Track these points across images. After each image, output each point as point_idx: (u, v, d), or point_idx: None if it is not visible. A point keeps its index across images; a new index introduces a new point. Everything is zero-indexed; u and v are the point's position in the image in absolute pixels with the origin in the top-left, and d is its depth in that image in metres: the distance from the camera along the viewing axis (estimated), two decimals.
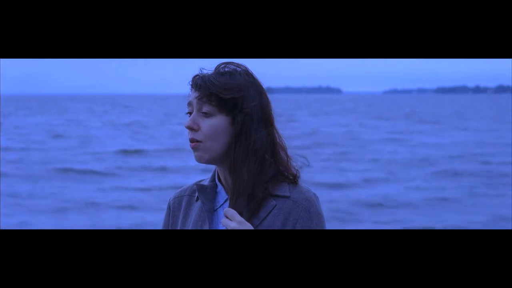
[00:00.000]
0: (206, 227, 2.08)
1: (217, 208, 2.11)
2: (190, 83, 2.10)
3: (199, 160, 2.06)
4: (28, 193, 15.95)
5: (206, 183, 2.14)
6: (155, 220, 12.46)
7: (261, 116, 2.06)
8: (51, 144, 30.73)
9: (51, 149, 27.75)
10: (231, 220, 2.00)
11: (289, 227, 2.02)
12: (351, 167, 21.38)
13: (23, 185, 17.41)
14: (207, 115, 2.05)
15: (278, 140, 2.10)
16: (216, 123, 2.04)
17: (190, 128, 2.06)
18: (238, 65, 2.09)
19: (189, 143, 2.07)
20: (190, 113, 2.08)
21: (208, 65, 2.11)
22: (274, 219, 2.03)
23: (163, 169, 20.95)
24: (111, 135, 37.05)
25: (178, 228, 2.15)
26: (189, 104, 2.08)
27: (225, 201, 2.09)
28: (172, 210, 2.20)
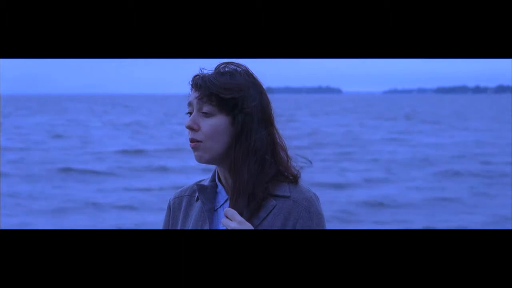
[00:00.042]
0: (206, 227, 2.08)
1: (217, 208, 2.11)
2: (190, 83, 2.10)
3: (199, 160, 2.06)
4: (28, 193, 15.95)
5: (206, 183, 2.14)
6: (155, 220, 12.46)
7: (261, 116, 2.07)
8: (51, 144, 30.74)
9: (51, 149, 27.75)
10: (231, 220, 2.00)
11: (289, 227, 2.02)
12: (351, 167, 21.39)
13: (23, 185, 17.41)
14: (207, 115, 2.05)
15: (278, 140, 2.10)
16: (216, 123, 2.04)
17: (190, 128, 2.06)
18: (238, 65, 2.09)
19: (189, 143, 2.07)
20: (190, 113, 2.08)
21: (208, 65, 2.11)
22: (274, 219, 2.03)
23: (163, 169, 20.96)
24: (111, 135, 37.05)
25: (178, 228, 2.15)
26: (189, 104, 2.09)
27: (225, 201, 2.09)
28: (172, 210, 2.20)
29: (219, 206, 2.11)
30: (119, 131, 41.38)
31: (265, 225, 2.02)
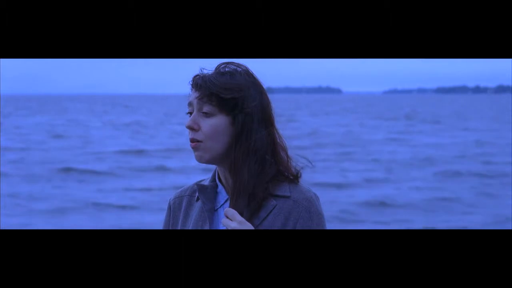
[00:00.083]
0: (206, 227, 2.08)
1: (218, 208, 2.11)
2: (191, 83, 2.10)
3: (200, 160, 2.07)
4: (28, 193, 15.95)
5: (206, 183, 2.14)
6: (155, 220, 12.46)
7: (261, 116, 2.07)
8: (51, 144, 30.74)
9: (51, 149, 27.75)
10: (231, 220, 2.00)
11: (289, 227, 2.02)
12: (351, 167, 21.39)
13: (23, 185, 17.41)
14: (207, 115, 2.05)
15: (278, 140, 2.10)
16: (216, 123, 2.04)
17: (191, 128, 2.06)
18: (238, 65, 2.09)
19: (189, 143, 2.07)
20: (190, 113, 2.08)
21: (209, 65, 2.11)
22: (274, 219, 2.03)
23: (163, 169, 20.96)
24: (111, 135, 37.05)
25: (179, 228, 2.15)
26: (190, 104, 2.09)
27: (226, 201, 2.09)
28: (173, 210, 2.20)
29: (219, 206, 2.11)
30: (119, 131, 41.38)
31: (266, 225, 2.02)
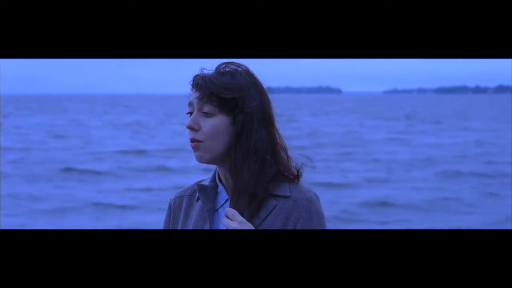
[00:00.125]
0: (206, 227, 2.08)
1: (218, 208, 2.11)
2: (191, 83, 2.10)
3: (200, 160, 2.07)
4: (28, 194, 15.95)
5: (206, 183, 2.14)
6: (155, 220, 12.46)
7: (261, 116, 2.07)
8: (51, 144, 30.74)
9: (51, 149, 27.76)
10: (232, 220, 2.00)
11: (289, 227, 2.02)
12: (352, 167, 21.39)
13: (23, 185, 17.41)
14: (207, 115, 2.05)
15: (278, 140, 2.10)
16: (216, 123, 2.04)
17: (191, 128, 2.06)
18: (239, 65, 2.09)
19: (189, 143, 2.07)
20: (190, 113, 2.08)
21: (209, 65, 2.11)
22: (274, 219, 2.03)
23: (163, 169, 20.96)
24: (111, 135, 37.05)
25: (179, 228, 2.15)
26: (190, 104, 2.09)
27: (226, 201, 2.09)
28: (173, 210, 2.20)
29: (219, 206, 2.11)
30: (119, 131, 41.39)
31: (266, 225, 2.02)
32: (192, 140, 2.06)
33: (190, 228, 2.11)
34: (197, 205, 2.13)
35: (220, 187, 2.12)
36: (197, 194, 2.14)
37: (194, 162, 2.15)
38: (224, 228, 2.04)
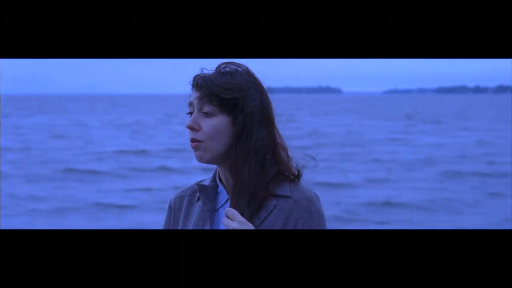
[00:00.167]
0: (207, 227, 2.08)
1: (218, 208, 2.11)
2: (191, 83, 2.10)
3: (200, 160, 2.07)
4: (28, 194, 15.95)
5: (207, 183, 2.14)
6: (155, 220, 12.46)
7: (262, 116, 2.07)
8: (51, 144, 30.74)
9: (51, 149, 27.76)
10: (232, 220, 2.00)
11: (290, 227, 2.02)
12: (352, 167, 21.38)
13: (23, 185, 17.41)
14: (208, 115, 2.05)
15: (278, 140, 2.10)
16: (217, 123, 2.04)
17: (191, 128, 2.06)
18: (239, 65, 2.09)
19: (190, 143, 2.07)
20: (191, 113, 2.08)
21: (209, 65, 2.11)
22: (275, 219, 2.03)
23: (163, 169, 20.96)
24: (111, 135, 37.05)
25: (179, 228, 2.15)
26: (190, 104, 2.09)
27: (226, 201, 2.09)
28: (173, 210, 2.20)
29: (220, 206, 2.11)
30: (119, 131, 41.39)
31: (266, 225, 2.02)
32: (193, 140, 2.06)
33: (191, 228, 2.11)
34: (198, 205, 2.14)
35: (221, 187, 2.12)
36: (198, 194, 2.14)
37: (194, 162, 2.16)
38: (225, 228, 2.04)
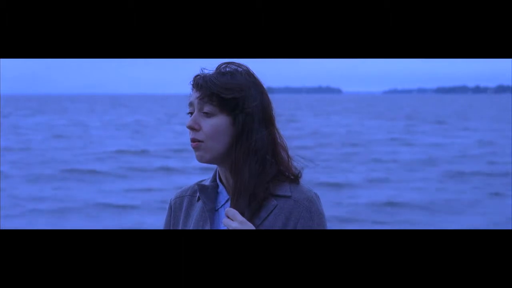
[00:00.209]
0: (207, 227, 2.08)
1: (219, 208, 2.11)
2: (191, 83, 2.10)
3: (200, 160, 2.07)
4: (28, 194, 15.95)
5: (207, 183, 2.14)
6: (155, 220, 12.46)
7: (262, 116, 2.07)
8: (51, 144, 30.74)
9: (51, 149, 27.76)
10: (232, 220, 2.00)
11: (290, 227, 2.02)
12: (353, 168, 21.38)
13: (23, 185, 17.41)
14: (208, 115, 2.05)
15: (279, 140, 2.10)
16: (217, 123, 2.04)
17: (191, 128, 2.06)
18: (239, 65, 2.10)
19: (190, 143, 2.07)
20: (191, 113, 2.08)
21: (209, 65, 2.11)
22: (275, 219, 2.03)
23: (164, 169, 20.96)
24: (111, 135, 37.05)
25: (180, 228, 2.15)
26: (190, 104, 2.09)
27: (226, 201, 2.09)
28: (174, 210, 2.20)
29: (220, 206, 2.11)
30: (119, 131, 41.39)
31: (266, 225, 2.02)
32: (193, 140, 2.06)
33: (191, 228, 2.11)
34: (198, 205, 2.14)
35: (221, 187, 2.12)
36: (198, 194, 2.14)
37: (194, 162, 2.16)
38: (225, 228, 2.04)
